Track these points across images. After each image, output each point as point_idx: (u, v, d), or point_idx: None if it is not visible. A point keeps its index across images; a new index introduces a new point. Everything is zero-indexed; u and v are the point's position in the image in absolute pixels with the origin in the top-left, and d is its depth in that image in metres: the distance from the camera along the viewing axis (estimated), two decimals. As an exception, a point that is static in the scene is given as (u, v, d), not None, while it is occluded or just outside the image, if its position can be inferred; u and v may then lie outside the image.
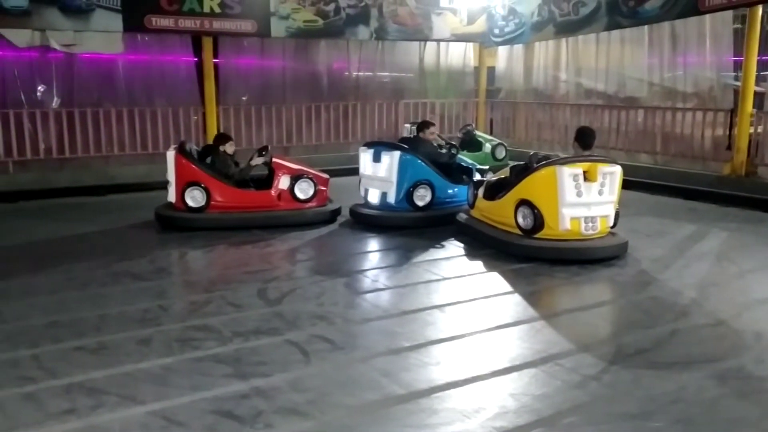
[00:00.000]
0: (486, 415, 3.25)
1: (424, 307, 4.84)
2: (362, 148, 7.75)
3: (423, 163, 7.36)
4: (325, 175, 7.82)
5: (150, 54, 11.03)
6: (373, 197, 7.57)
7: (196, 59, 11.09)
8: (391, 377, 3.64)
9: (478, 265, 6.00)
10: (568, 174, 5.73)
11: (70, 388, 3.51)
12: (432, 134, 7.84)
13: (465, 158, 8.27)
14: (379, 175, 7.44)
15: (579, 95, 12.15)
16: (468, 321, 4.58)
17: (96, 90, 10.58)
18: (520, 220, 6.04)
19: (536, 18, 11.76)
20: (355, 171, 11.22)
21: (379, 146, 7.62)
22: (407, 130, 11.28)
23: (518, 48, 13.15)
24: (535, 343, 4.17)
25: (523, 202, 5.98)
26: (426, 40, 12.66)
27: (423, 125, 7.83)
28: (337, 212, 7.76)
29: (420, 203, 7.34)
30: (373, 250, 6.67)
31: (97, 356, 3.97)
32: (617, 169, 5.93)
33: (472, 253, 6.38)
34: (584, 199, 5.80)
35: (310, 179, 7.56)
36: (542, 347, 4.09)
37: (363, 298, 5.02)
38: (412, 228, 7.00)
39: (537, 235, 5.93)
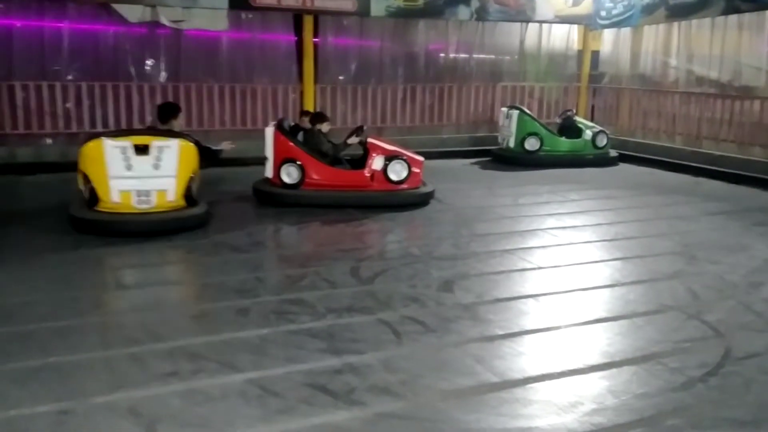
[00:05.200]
0: (583, 410, 3.14)
1: (518, 295, 4.75)
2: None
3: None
4: (420, 158, 7.76)
5: (252, 32, 11.28)
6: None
7: (296, 38, 11.24)
8: (485, 364, 3.58)
9: (575, 255, 5.82)
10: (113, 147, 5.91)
11: (173, 351, 3.65)
12: None
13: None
14: None
15: (689, 83, 11.50)
16: (564, 312, 4.44)
17: (200, 66, 10.91)
18: None
19: (647, 0, 11.19)
20: (447, 154, 11.34)
21: None
22: (504, 114, 11.08)
23: (626, 31, 12.56)
24: (636, 340, 4.00)
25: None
26: (528, 21, 12.30)
27: None
28: (429, 195, 7.71)
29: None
30: (466, 235, 6.55)
31: (198, 323, 4.11)
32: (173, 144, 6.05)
33: (568, 243, 6.20)
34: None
35: (404, 161, 7.53)
36: (643, 344, 3.92)
37: (455, 282, 4.95)
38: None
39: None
